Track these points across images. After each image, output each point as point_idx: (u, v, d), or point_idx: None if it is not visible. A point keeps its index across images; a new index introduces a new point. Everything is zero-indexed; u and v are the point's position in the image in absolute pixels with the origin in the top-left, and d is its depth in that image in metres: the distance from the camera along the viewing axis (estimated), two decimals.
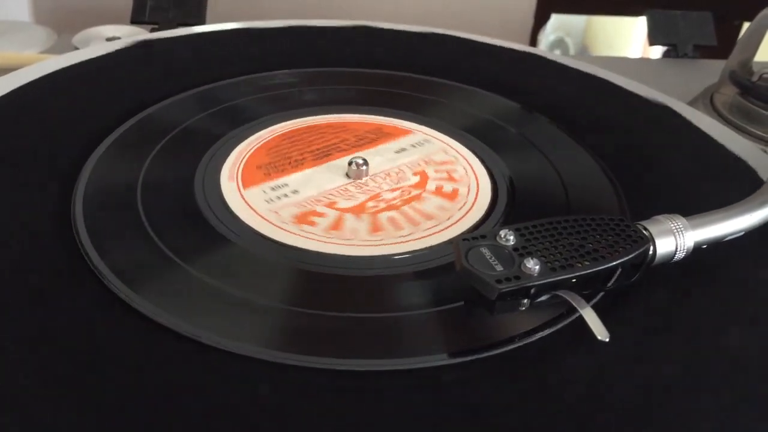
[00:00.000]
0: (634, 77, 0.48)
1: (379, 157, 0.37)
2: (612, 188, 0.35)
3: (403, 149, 0.38)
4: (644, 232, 0.27)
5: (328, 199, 0.33)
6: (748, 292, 0.29)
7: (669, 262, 0.28)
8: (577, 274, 0.25)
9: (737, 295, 0.28)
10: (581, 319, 0.24)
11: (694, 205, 0.29)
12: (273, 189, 0.33)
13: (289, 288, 0.28)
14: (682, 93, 0.55)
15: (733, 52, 0.55)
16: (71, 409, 0.21)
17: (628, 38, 1.20)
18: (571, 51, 1.17)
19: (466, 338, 0.26)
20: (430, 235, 0.31)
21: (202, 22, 0.61)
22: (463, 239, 0.26)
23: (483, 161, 0.37)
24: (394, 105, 0.42)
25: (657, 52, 0.71)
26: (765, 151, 0.40)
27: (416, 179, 0.35)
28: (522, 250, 0.26)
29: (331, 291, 0.28)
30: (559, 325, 0.26)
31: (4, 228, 0.29)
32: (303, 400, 0.23)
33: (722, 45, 0.67)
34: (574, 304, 0.24)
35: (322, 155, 0.36)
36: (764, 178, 0.35)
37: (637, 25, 1.13)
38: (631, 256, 0.26)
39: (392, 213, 0.33)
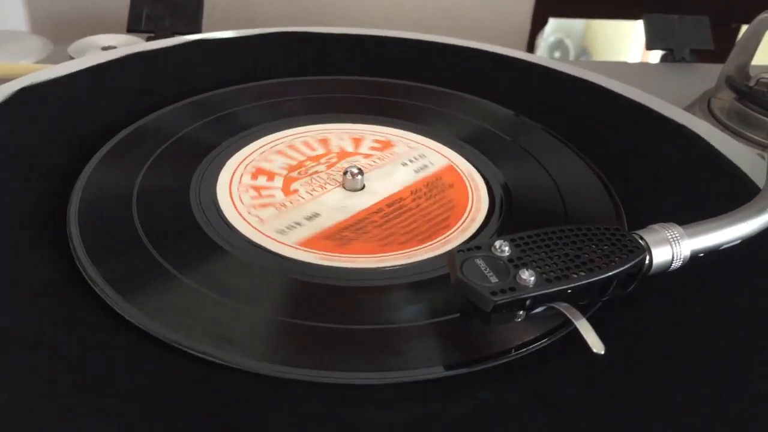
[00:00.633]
0: (631, 82, 0.47)
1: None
2: (608, 197, 0.35)
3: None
4: (640, 241, 0.27)
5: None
6: (745, 301, 0.29)
7: (665, 271, 0.27)
8: (573, 285, 0.25)
9: (734, 305, 0.28)
10: (577, 331, 0.24)
11: (690, 213, 0.29)
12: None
13: (284, 299, 0.28)
14: (680, 97, 0.55)
15: (729, 57, 0.55)
16: (62, 420, 0.21)
17: (628, 39, 1.20)
18: (571, 52, 1.17)
19: (462, 350, 0.25)
20: (426, 246, 0.31)
21: (198, 31, 0.61)
22: (458, 251, 0.26)
23: (479, 170, 0.37)
24: (388, 114, 0.42)
25: (656, 56, 0.71)
26: (762, 157, 0.40)
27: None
28: (517, 261, 0.26)
29: (324, 303, 0.27)
30: (555, 337, 0.26)
31: None
32: (295, 414, 0.22)
33: (719, 49, 0.67)
34: (569, 316, 0.24)
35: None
36: (761, 185, 0.35)
37: (637, 26, 1.13)
38: (626, 267, 0.26)
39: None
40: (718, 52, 0.66)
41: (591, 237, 0.27)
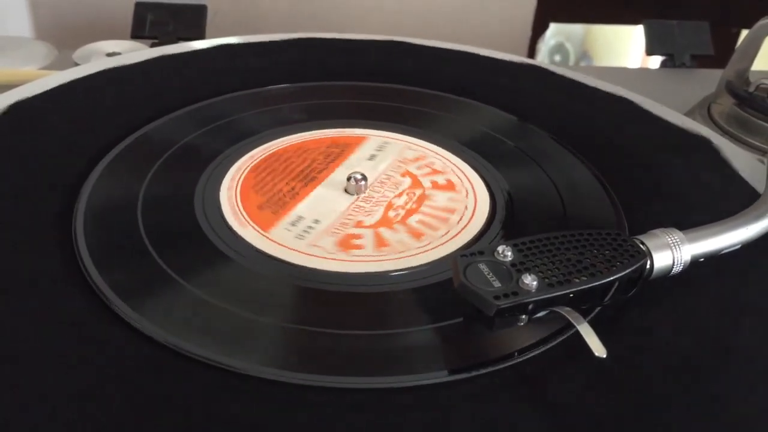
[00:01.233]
0: (631, 87, 0.48)
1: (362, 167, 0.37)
2: (609, 202, 0.35)
3: (373, 155, 0.39)
4: (641, 246, 0.27)
5: (351, 220, 0.33)
6: (745, 305, 0.29)
7: (666, 276, 0.28)
8: (575, 289, 0.25)
9: (735, 309, 0.29)
10: (579, 335, 0.24)
11: (691, 218, 0.29)
12: (293, 224, 0.32)
13: (290, 306, 0.28)
14: (680, 103, 0.55)
15: (729, 62, 0.55)
16: (69, 427, 0.21)
17: (628, 42, 1.20)
18: (572, 56, 1.17)
19: (465, 354, 0.26)
20: (428, 250, 0.31)
21: (202, 37, 0.61)
22: (461, 255, 0.26)
23: (481, 175, 0.37)
24: (389, 119, 0.42)
25: (655, 61, 0.72)
26: (762, 162, 0.40)
27: (408, 180, 0.37)
28: (520, 266, 0.26)
29: (329, 308, 0.28)
30: (557, 341, 0.26)
31: (5, 244, 0.29)
32: (303, 419, 0.23)
33: (720, 54, 0.67)
34: (571, 320, 0.25)
35: (310, 179, 0.36)
36: (761, 190, 0.35)
37: (637, 31, 1.14)
38: (628, 271, 0.26)
39: (417, 216, 0.34)
40: (718, 58, 0.66)
41: (593, 242, 0.27)
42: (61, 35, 0.79)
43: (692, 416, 0.23)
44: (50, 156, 0.36)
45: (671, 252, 0.27)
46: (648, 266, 0.27)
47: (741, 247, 0.29)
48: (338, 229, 0.32)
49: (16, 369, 0.23)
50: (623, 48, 1.22)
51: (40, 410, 0.22)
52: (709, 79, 0.59)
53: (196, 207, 0.33)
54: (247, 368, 0.24)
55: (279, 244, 0.31)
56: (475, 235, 0.32)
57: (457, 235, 0.32)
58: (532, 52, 1.00)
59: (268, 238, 0.31)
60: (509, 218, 0.34)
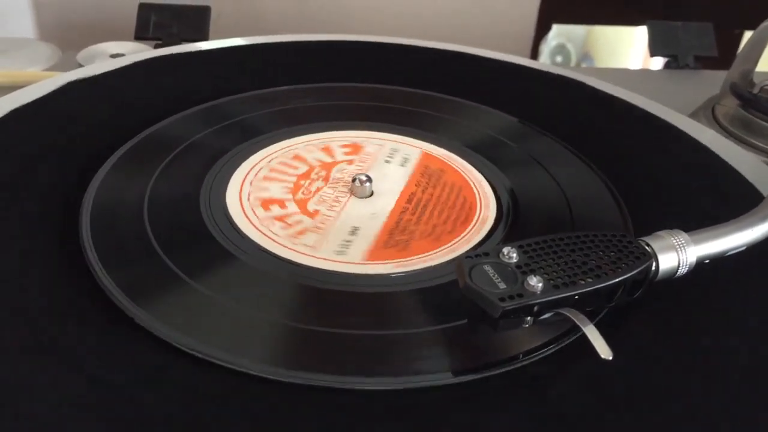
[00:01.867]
0: (635, 89, 0.48)
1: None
2: (615, 203, 0.35)
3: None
4: (646, 248, 0.27)
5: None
6: (751, 307, 0.29)
7: (672, 277, 0.28)
8: (580, 291, 0.25)
9: (740, 311, 0.29)
10: (585, 336, 0.24)
11: (696, 219, 0.29)
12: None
13: (294, 304, 0.28)
14: (684, 104, 0.55)
15: (733, 64, 0.55)
16: (77, 426, 0.22)
17: (630, 44, 1.20)
18: (573, 57, 1.17)
19: (470, 356, 0.26)
20: (377, 262, 0.31)
21: (205, 38, 0.61)
22: (467, 257, 0.26)
23: (486, 177, 0.37)
24: (393, 121, 0.42)
25: (659, 63, 0.71)
26: (766, 164, 0.40)
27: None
28: (525, 268, 0.26)
29: (333, 308, 0.28)
30: (564, 343, 0.26)
31: (10, 245, 0.29)
32: (307, 418, 0.23)
33: (723, 56, 0.67)
34: (576, 322, 0.24)
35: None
36: (765, 192, 0.35)
37: (639, 31, 1.13)
38: (633, 273, 0.26)
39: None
40: (722, 59, 0.66)
41: (598, 244, 0.27)
42: (65, 36, 0.79)
43: (696, 420, 0.23)
44: (56, 156, 0.36)
45: (677, 254, 0.27)
46: (653, 268, 0.27)
47: (746, 248, 0.29)
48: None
49: (22, 368, 0.23)
50: (624, 49, 1.22)
51: (45, 409, 0.22)
52: (713, 81, 0.59)
53: (202, 206, 0.33)
54: (253, 367, 0.24)
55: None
56: (481, 238, 0.32)
57: (462, 237, 0.32)
58: (535, 54, 1.00)
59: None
60: (515, 220, 0.34)
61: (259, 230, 0.32)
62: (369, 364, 0.25)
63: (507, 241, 0.32)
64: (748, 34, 0.57)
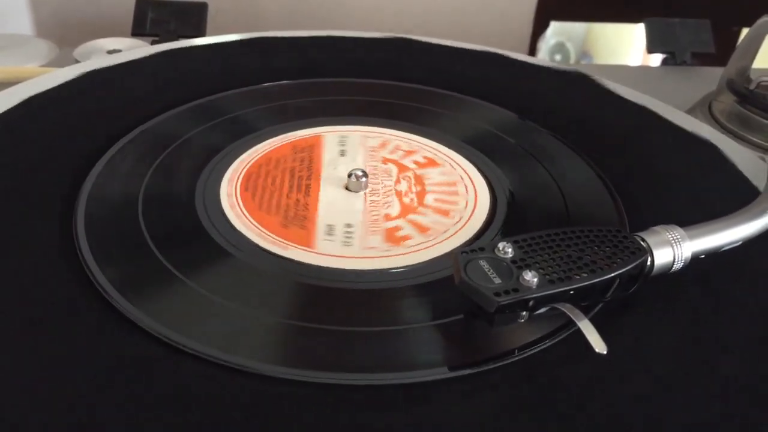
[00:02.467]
0: (632, 85, 0.48)
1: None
2: (610, 199, 0.35)
3: (342, 150, 0.39)
4: (642, 243, 0.27)
5: (379, 215, 0.33)
6: (746, 303, 0.29)
7: (667, 272, 0.28)
8: (575, 286, 0.25)
9: (735, 306, 0.29)
10: (579, 331, 0.24)
11: (691, 214, 0.29)
12: (330, 234, 0.32)
13: (289, 302, 0.28)
14: (681, 101, 0.55)
15: (730, 60, 0.55)
16: (72, 423, 0.22)
17: (628, 42, 1.20)
18: (572, 55, 1.17)
19: (466, 351, 0.26)
20: (428, 247, 0.31)
21: (203, 35, 0.61)
22: (462, 252, 0.26)
23: (482, 172, 0.37)
24: (391, 116, 0.42)
25: (657, 59, 0.71)
26: (763, 159, 0.40)
27: (393, 166, 0.37)
28: (520, 263, 0.26)
29: (328, 304, 0.28)
30: (558, 338, 0.26)
31: (6, 243, 0.29)
32: (301, 415, 0.23)
33: (721, 52, 0.67)
34: (571, 316, 0.25)
35: (305, 187, 0.36)
36: (761, 188, 0.35)
37: (638, 30, 1.13)
38: (628, 268, 0.26)
39: (430, 196, 0.35)
40: (719, 56, 0.66)
41: (593, 238, 0.27)
42: (62, 33, 0.79)
43: (691, 411, 0.23)
44: (51, 152, 0.36)
45: (672, 249, 0.27)
46: (649, 263, 0.27)
47: (741, 244, 0.29)
48: (375, 226, 0.32)
49: (15, 364, 0.23)
50: (624, 48, 1.22)
51: (37, 405, 0.22)
52: (710, 77, 0.59)
53: (197, 203, 0.33)
54: (246, 364, 0.24)
55: (333, 255, 0.30)
56: (476, 233, 0.32)
57: (457, 232, 0.32)
58: (532, 51, 1.00)
59: (318, 254, 0.30)
60: (510, 215, 0.34)
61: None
62: (365, 360, 0.25)
63: (502, 236, 0.32)
64: (745, 32, 0.57)
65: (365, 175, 0.35)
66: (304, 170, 0.36)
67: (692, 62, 0.67)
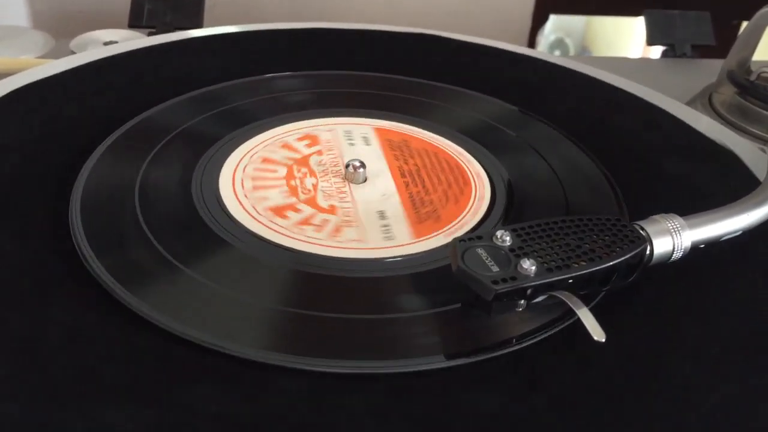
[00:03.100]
0: (632, 77, 0.47)
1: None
2: (609, 188, 0.35)
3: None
4: (641, 232, 0.27)
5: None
6: (745, 292, 0.29)
7: (666, 262, 0.27)
8: (574, 274, 0.25)
9: (735, 295, 0.28)
10: (578, 319, 0.24)
11: (691, 204, 0.29)
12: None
13: (287, 290, 0.28)
14: (681, 93, 0.55)
15: (731, 52, 0.55)
16: (66, 411, 0.21)
17: (628, 38, 1.20)
18: (571, 51, 1.17)
19: (463, 340, 0.26)
20: (427, 237, 0.31)
21: (200, 26, 0.61)
22: (460, 240, 0.26)
23: (481, 163, 0.37)
24: (389, 108, 0.42)
25: (656, 52, 0.71)
26: (763, 151, 0.40)
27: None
28: (518, 251, 0.26)
29: (327, 293, 0.27)
30: (557, 327, 0.26)
31: (1, 231, 0.29)
32: (299, 402, 0.22)
33: (721, 44, 0.67)
34: (570, 305, 0.24)
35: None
36: (761, 178, 0.35)
37: (637, 25, 1.13)
38: (628, 257, 0.26)
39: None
40: (719, 48, 0.66)
41: (592, 227, 0.27)
42: (58, 24, 0.79)
43: (689, 401, 0.23)
44: (47, 143, 0.36)
45: (671, 238, 0.27)
46: (648, 252, 0.27)
47: (742, 233, 0.29)
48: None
49: (14, 354, 0.23)
50: (623, 44, 1.21)
51: (36, 396, 0.22)
52: (710, 69, 0.59)
53: (194, 192, 0.33)
54: (244, 352, 0.24)
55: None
56: (476, 223, 0.32)
57: (457, 222, 0.32)
58: (531, 45, 1.00)
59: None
60: (509, 206, 0.34)
61: (251, 215, 0.31)
62: (362, 349, 0.25)
63: (501, 226, 0.32)
64: (745, 24, 0.57)
65: (363, 165, 0.35)
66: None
67: (692, 54, 0.67)
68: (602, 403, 0.23)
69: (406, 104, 0.43)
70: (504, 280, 0.24)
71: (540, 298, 0.26)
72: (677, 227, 0.27)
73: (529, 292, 0.25)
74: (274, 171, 0.35)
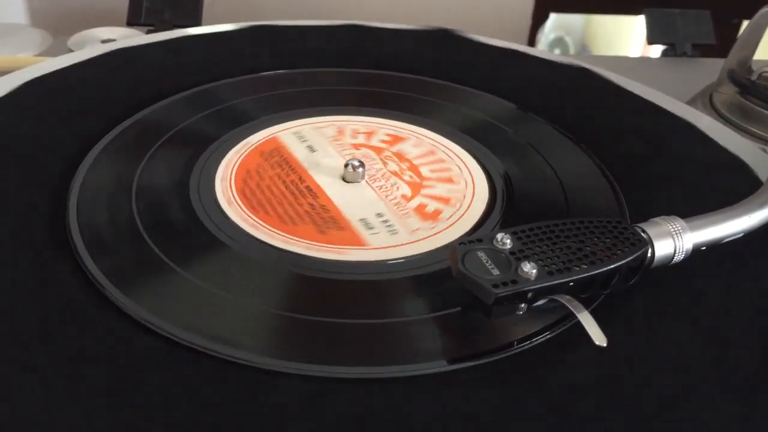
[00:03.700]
0: (633, 76, 0.47)
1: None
2: (611, 190, 0.35)
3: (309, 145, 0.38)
4: (642, 234, 0.27)
5: (397, 199, 0.33)
6: (747, 294, 0.28)
7: (668, 264, 0.27)
8: (575, 277, 0.25)
9: (737, 298, 0.28)
10: (580, 323, 0.24)
11: (692, 206, 0.29)
12: (368, 228, 0.31)
13: (284, 293, 0.27)
14: (681, 92, 0.55)
15: (731, 51, 0.55)
16: (62, 413, 0.21)
17: (628, 37, 1.20)
18: (571, 50, 1.17)
19: (463, 344, 0.25)
20: (426, 238, 0.31)
21: (198, 24, 0.61)
22: (460, 243, 0.26)
23: (480, 162, 0.37)
24: (388, 106, 0.42)
25: (657, 51, 0.71)
26: (764, 151, 0.40)
27: (368, 150, 0.37)
28: (519, 254, 0.25)
29: (325, 296, 0.27)
30: (558, 330, 0.25)
31: None
32: (297, 408, 0.22)
33: (721, 43, 0.67)
34: (571, 308, 0.24)
35: (307, 189, 0.34)
36: (763, 179, 0.34)
37: (637, 24, 1.13)
38: (629, 259, 0.26)
39: (423, 169, 0.36)
40: (720, 47, 0.66)
41: (593, 230, 0.27)
42: (56, 22, 0.79)
43: (691, 401, 0.23)
44: (43, 141, 0.36)
45: (673, 240, 0.27)
46: (649, 255, 0.27)
47: (743, 235, 0.29)
48: (404, 210, 0.32)
49: (7, 355, 0.23)
50: (623, 42, 1.21)
51: (29, 395, 0.22)
52: (711, 69, 0.59)
53: (191, 192, 0.32)
54: (239, 356, 0.24)
55: (388, 247, 0.30)
56: (474, 224, 0.32)
57: (455, 223, 0.32)
58: (531, 43, 0.99)
59: (375, 248, 0.30)
60: (509, 207, 0.33)
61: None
62: (360, 353, 0.25)
63: (501, 228, 0.31)
64: (746, 23, 0.56)
65: (362, 165, 0.35)
66: (292, 172, 0.35)
67: (693, 53, 0.67)
68: (603, 407, 0.23)
69: (403, 102, 0.42)
70: (504, 284, 0.24)
71: (541, 302, 0.25)
72: (678, 229, 0.27)
73: (529, 295, 0.25)
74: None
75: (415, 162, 0.36)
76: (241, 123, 0.39)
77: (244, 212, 0.31)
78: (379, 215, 0.32)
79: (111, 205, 0.31)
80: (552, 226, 0.27)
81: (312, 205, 0.32)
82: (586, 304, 0.25)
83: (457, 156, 0.37)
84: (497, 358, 0.24)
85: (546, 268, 0.25)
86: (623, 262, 0.26)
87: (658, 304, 0.28)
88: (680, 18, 0.67)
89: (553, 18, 1.06)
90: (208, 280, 0.27)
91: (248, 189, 0.33)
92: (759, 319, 0.27)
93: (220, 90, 0.42)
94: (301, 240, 0.30)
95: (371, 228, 0.31)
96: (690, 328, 0.26)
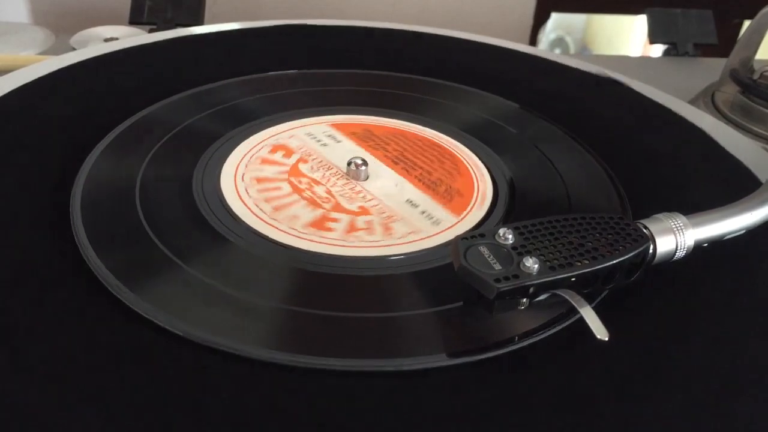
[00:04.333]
0: (634, 76, 0.47)
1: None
2: (613, 187, 0.35)
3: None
4: (644, 230, 0.27)
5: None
6: (749, 291, 0.29)
7: (669, 260, 0.27)
8: (577, 272, 0.25)
9: (738, 294, 0.28)
10: (581, 318, 0.24)
11: (694, 203, 0.29)
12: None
13: (287, 288, 0.27)
14: (683, 91, 0.55)
15: (734, 51, 0.55)
16: (68, 410, 0.21)
17: (628, 37, 1.20)
18: (572, 50, 1.17)
19: (466, 339, 0.25)
20: (429, 236, 0.31)
21: (200, 23, 0.61)
22: (462, 238, 0.26)
23: (483, 161, 0.37)
24: (392, 106, 0.42)
25: (658, 50, 0.71)
26: (766, 149, 0.40)
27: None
28: (521, 249, 0.25)
29: (328, 291, 0.27)
30: (560, 326, 0.25)
31: (2, 229, 0.29)
32: (297, 401, 0.22)
33: (723, 43, 0.67)
34: (573, 303, 0.24)
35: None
36: (764, 177, 0.35)
37: (638, 24, 1.13)
38: (631, 255, 0.26)
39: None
40: (722, 46, 0.66)
41: (595, 226, 0.27)
42: (59, 21, 0.79)
43: (694, 398, 0.23)
44: (47, 139, 0.36)
45: (674, 236, 0.27)
46: (651, 251, 0.27)
47: (745, 232, 0.29)
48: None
49: (14, 351, 0.23)
50: (623, 42, 1.21)
51: (36, 393, 0.22)
52: (713, 68, 0.59)
53: (194, 189, 0.32)
54: (245, 350, 0.24)
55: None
56: (478, 221, 0.32)
57: (459, 221, 0.32)
58: (533, 43, 1.00)
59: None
60: (511, 204, 0.33)
61: (254, 213, 0.31)
62: (364, 347, 0.25)
63: (503, 223, 0.31)
64: (747, 23, 0.56)
65: (365, 163, 0.35)
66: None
67: (695, 53, 0.67)
68: (605, 403, 0.23)
69: (407, 102, 0.43)
70: (506, 279, 0.24)
71: (542, 297, 0.25)
72: (680, 226, 0.27)
73: (531, 290, 0.25)
74: (278, 189, 0.34)
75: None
76: (247, 121, 0.39)
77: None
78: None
79: (115, 202, 0.31)
80: (554, 221, 0.27)
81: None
82: (588, 301, 0.25)
83: (461, 153, 0.37)
84: (499, 353, 0.24)
85: (548, 263, 0.25)
86: (625, 257, 0.26)
87: (660, 300, 0.28)
88: (682, 17, 0.67)
89: (554, 17, 1.06)
90: (215, 276, 0.27)
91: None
92: (761, 318, 0.27)
93: (223, 89, 0.42)
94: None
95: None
96: (692, 324, 0.26)
